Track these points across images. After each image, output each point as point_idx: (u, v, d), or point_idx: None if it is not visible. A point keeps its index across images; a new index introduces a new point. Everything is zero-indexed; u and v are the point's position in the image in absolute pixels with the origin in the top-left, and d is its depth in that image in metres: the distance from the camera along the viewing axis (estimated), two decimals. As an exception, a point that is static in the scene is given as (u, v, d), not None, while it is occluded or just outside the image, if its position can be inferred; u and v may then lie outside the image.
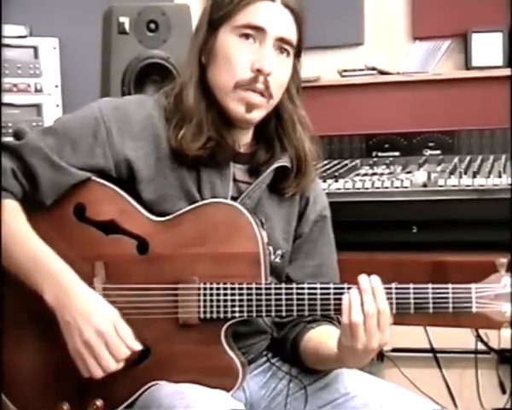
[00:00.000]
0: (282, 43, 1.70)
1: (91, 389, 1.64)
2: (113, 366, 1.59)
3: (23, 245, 1.62)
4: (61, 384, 1.67)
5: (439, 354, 3.42)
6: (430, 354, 3.41)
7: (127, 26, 2.52)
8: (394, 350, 3.49)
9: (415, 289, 1.60)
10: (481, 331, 3.31)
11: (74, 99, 2.67)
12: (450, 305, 1.60)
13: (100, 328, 1.58)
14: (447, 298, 1.60)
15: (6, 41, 2.83)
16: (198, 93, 1.71)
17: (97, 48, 2.64)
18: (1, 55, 2.76)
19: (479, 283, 1.60)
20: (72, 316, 1.58)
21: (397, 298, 1.60)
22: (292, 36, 1.71)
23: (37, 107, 2.89)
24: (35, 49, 2.90)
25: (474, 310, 1.60)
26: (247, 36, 1.67)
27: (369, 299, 1.55)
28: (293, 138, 1.78)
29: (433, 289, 1.60)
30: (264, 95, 1.69)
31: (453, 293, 1.59)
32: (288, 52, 1.71)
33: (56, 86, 2.93)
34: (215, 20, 1.70)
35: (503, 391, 3.35)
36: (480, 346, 3.38)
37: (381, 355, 3.49)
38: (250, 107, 1.69)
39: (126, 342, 1.60)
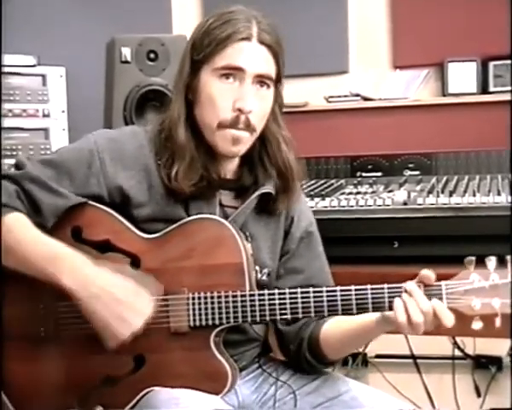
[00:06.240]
0: (261, 79, 1.67)
1: (92, 398, 1.64)
2: (150, 310, 1.60)
3: (36, 245, 1.61)
4: (63, 394, 1.67)
5: (418, 360, 3.41)
6: (411, 360, 3.40)
7: (129, 56, 2.53)
8: (378, 356, 3.49)
9: (389, 288, 1.59)
10: (458, 339, 3.30)
11: (79, 123, 2.67)
12: None
13: (126, 285, 1.60)
14: None
15: (16, 70, 2.84)
16: (188, 131, 1.70)
17: (101, 76, 2.65)
18: (1, 81, 2.77)
19: (449, 280, 1.59)
20: (98, 287, 1.58)
21: (372, 298, 1.59)
22: (270, 70, 1.69)
23: (45, 130, 2.89)
24: (43, 77, 2.90)
25: (445, 306, 1.58)
26: (226, 76, 1.65)
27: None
28: (278, 157, 1.76)
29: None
30: (247, 129, 1.68)
31: (425, 291, 1.57)
32: (268, 85, 1.69)
33: (63, 111, 2.93)
34: (196, 62, 1.69)
35: (479, 395, 3.35)
36: (457, 352, 3.37)
37: (365, 361, 3.49)
38: (236, 142, 1.68)
39: (150, 288, 1.62)
